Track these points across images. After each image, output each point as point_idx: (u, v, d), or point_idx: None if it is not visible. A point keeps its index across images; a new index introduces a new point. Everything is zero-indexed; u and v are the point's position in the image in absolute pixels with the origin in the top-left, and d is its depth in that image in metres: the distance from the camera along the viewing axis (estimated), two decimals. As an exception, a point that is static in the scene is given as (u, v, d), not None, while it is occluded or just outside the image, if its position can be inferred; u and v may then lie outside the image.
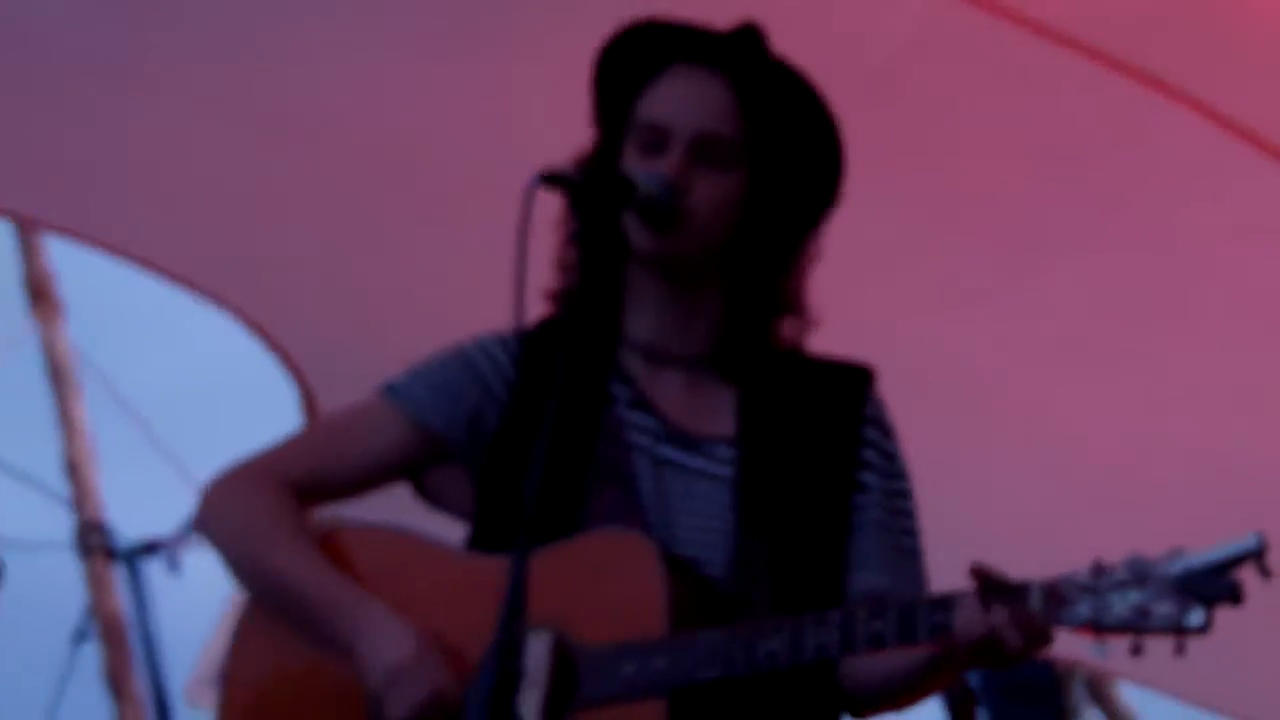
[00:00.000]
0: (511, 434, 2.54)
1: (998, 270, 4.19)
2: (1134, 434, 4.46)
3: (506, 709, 2.12)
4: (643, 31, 2.58)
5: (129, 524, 6.02)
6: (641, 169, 2.47)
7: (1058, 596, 2.18)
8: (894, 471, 2.55)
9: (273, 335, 4.63)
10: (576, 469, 2.52)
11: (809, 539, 2.49)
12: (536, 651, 2.36)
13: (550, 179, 2.33)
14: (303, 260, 4.44)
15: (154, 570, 5.95)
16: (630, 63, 2.59)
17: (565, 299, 2.59)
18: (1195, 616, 2.12)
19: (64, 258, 6.13)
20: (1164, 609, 2.15)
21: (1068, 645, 5.42)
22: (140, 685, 5.83)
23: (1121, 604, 2.16)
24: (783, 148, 2.55)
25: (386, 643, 2.42)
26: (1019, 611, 2.18)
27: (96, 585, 5.95)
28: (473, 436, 2.57)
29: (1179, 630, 2.12)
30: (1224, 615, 5.54)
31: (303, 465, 2.64)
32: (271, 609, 2.55)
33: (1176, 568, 2.14)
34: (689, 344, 2.57)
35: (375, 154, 3.98)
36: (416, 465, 2.61)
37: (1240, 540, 2.11)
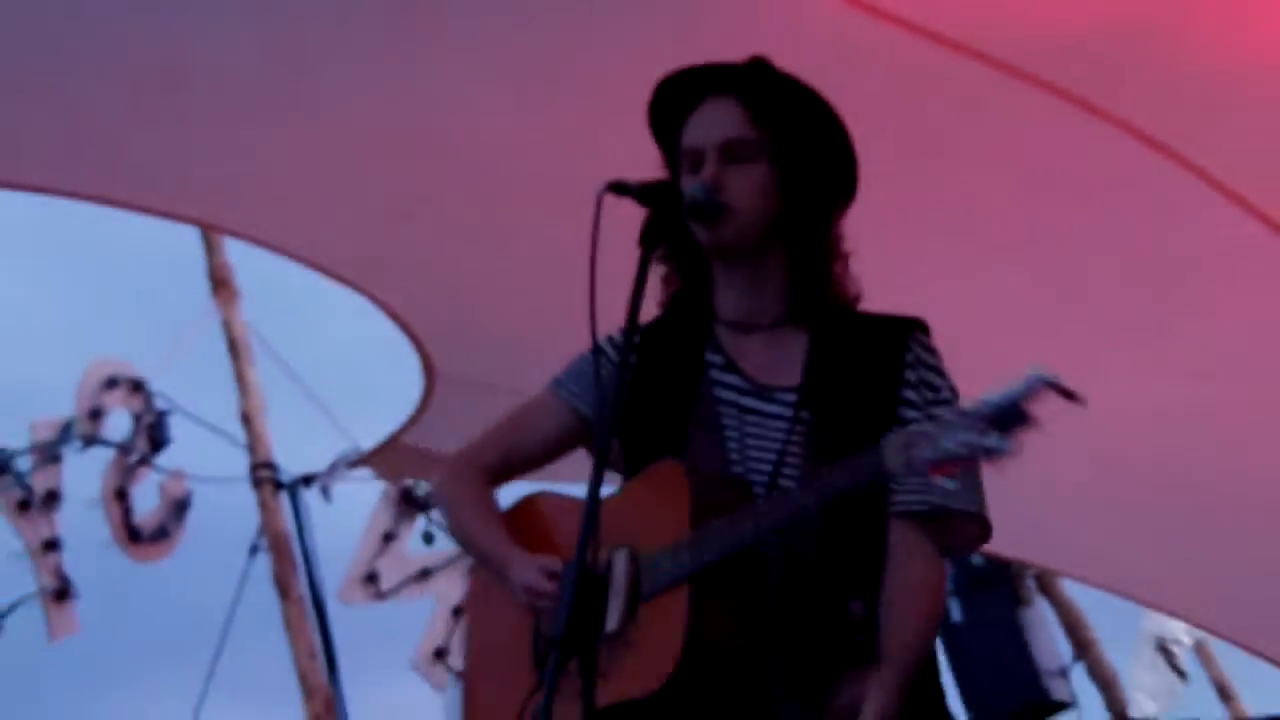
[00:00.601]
0: (637, 406, 2.54)
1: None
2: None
3: (583, 607, 2.21)
4: (673, 80, 2.60)
5: (291, 462, 6.21)
6: (686, 182, 2.49)
7: (907, 439, 2.21)
8: (936, 401, 2.47)
9: (401, 315, 4.72)
10: (678, 422, 2.53)
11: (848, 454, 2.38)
12: (618, 565, 2.44)
13: (616, 187, 2.36)
14: (426, 256, 4.44)
15: (311, 497, 6.14)
16: (669, 106, 2.61)
17: (670, 298, 2.62)
18: (998, 442, 2.12)
19: (239, 253, 6.33)
20: (978, 439, 2.13)
21: (1021, 546, 5.43)
22: (301, 587, 5.96)
23: (950, 440, 2.16)
24: (794, 137, 2.55)
25: (519, 571, 2.52)
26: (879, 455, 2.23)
27: (266, 510, 6.09)
28: (606, 417, 2.53)
29: (989, 453, 2.12)
30: (1139, 515, 5.34)
31: (492, 453, 2.72)
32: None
33: (984, 406, 2.14)
34: (764, 312, 2.56)
35: (481, 168, 3.99)
36: (580, 442, 2.66)
37: (1026, 377, 2.12)
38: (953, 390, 2.50)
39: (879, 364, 2.50)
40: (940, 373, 2.51)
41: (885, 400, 2.46)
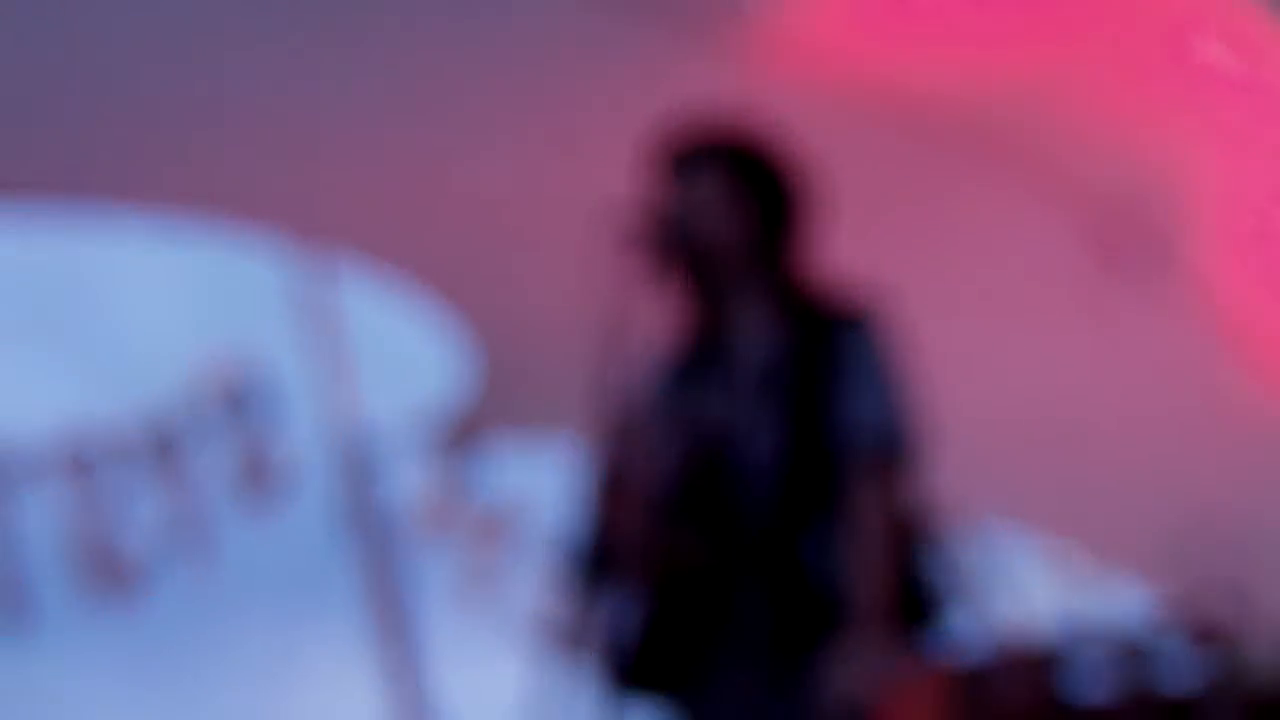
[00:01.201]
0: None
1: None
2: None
3: None
4: (673, 147, 2.84)
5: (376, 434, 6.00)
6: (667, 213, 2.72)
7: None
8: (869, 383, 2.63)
9: (464, 310, 4.86)
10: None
11: (807, 404, 2.59)
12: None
13: (608, 210, 2.62)
14: (474, 255, 4.50)
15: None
16: (670, 161, 2.83)
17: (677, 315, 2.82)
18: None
19: None
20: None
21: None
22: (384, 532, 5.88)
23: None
24: (768, 189, 2.80)
25: None
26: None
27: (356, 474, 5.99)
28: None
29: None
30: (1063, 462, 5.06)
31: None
32: None
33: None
34: (760, 307, 2.76)
35: (513, 178, 4.06)
36: None
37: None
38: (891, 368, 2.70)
39: (829, 352, 2.70)
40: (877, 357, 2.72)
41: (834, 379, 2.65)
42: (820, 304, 2.77)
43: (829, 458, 2.60)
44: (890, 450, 2.61)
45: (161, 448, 6.07)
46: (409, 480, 6.44)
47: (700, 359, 2.77)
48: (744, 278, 2.77)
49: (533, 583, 6.36)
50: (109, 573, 5.75)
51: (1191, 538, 3.91)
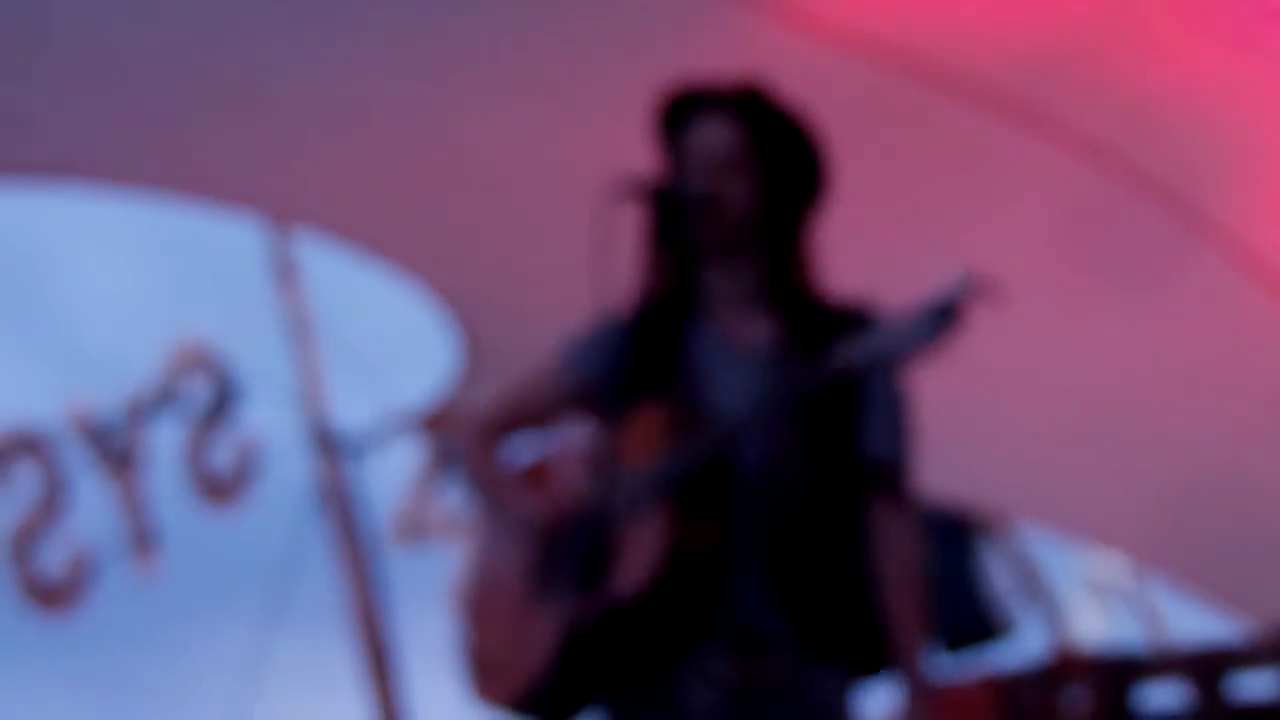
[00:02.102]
0: (635, 375, 2.54)
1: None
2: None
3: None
4: (677, 95, 2.62)
5: (347, 424, 6.16)
6: (681, 181, 2.52)
7: (850, 344, 2.22)
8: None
9: (443, 293, 4.68)
10: (668, 384, 2.52)
11: (822, 410, 2.43)
12: (629, 486, 2.43)
13: (624, 185, 2.38)
14: (467, 243, 4.41)
15: (364, 454, 6.12)
16: (674, 115, 2.62)
17: (657, 284, 2.60)
18: (928, 336, 2.11)
19: (305, 241, 6.00)
20: (912, 336, 2.13)
21: (970, 491, 5.43)
22: (356, 533, 5.95)
23: (889, 337, 2.17)
24: (777, 149, 2.57)
25: (518, 501, 2.58)
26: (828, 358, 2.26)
27: (326, 465, 6.08)
28: (604, 384, 2.57)
29: (922, 346, 2.11)
30: (1085, 457, 5.31)
31: (501, 415, 2.71)
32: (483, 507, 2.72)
33: (916, 309, 2.13)
34: (742, 294, 2.57)
35: (513, 168, 3.97)
36: (579, 407, 2.63)
37: (953, 279, 2.10)
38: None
39: (836, 336, 2.49)
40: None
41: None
42: (821, 296, 2.59)
43: (846, 470, 2.47)
44: (905, 466, 2.49)
45: (116, 439, 5.89)
46: (387, 474, 6.38)
47: (676, 328, 2.59)
48: (739, 245, 2.56)
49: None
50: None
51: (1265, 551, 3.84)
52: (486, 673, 2.53)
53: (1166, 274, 3.99)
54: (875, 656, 2.42)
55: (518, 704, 2.29)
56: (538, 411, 2.69)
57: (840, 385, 2.36)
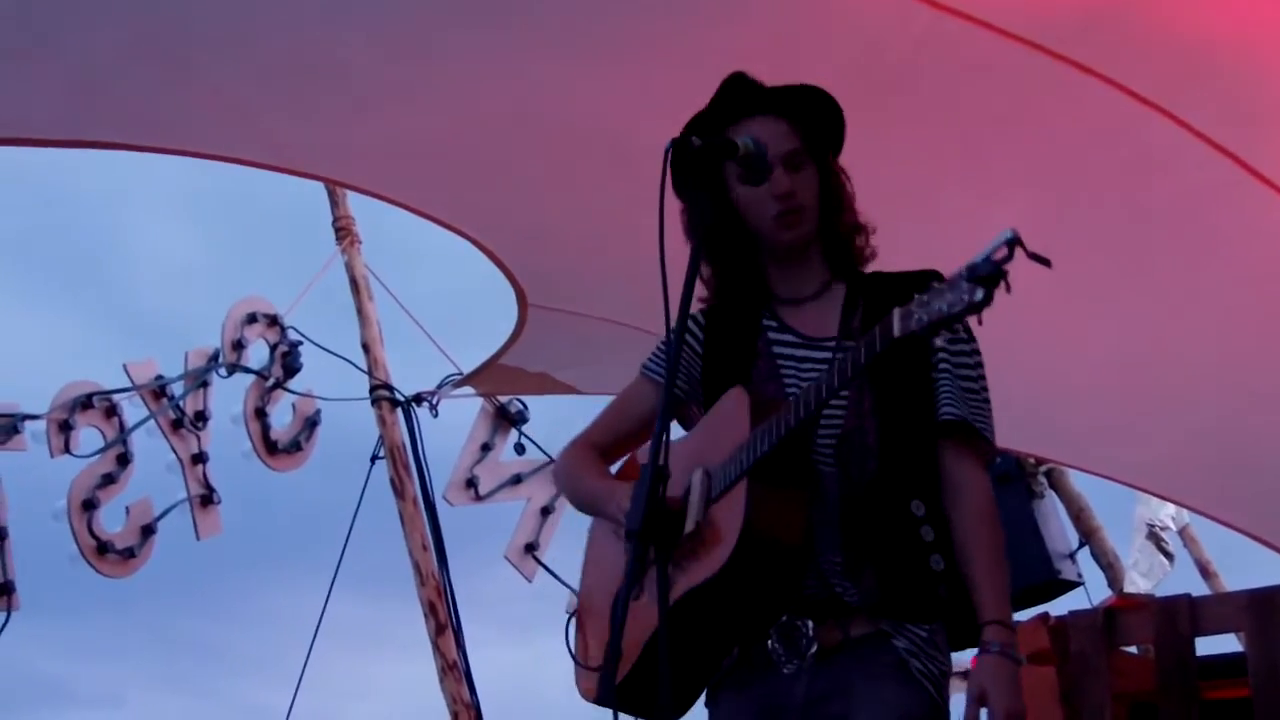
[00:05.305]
0: (710, 370, 2.64)
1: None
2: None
3: (654, 521, 2.21)
4: (736, 88, 2.67)
5: (404, 383, 6.23)
6: (739, 136, 2.49)
7: (907, 311, 2.20)
8: (955, 335, 2.50)
9: (496, 254, 4.74)
10: (743, 377, 2.59)
11: (894, 380, 2.49)
12: (695, 480, 2.50)
13: (679, 143, 2.36)
14: (519, 204, 4.45)
15: (421, 414, 6.19)
16: (727, 104, 2.66)
17: (719, 285, 2.68)
18: (977, 294, 2.09)
19: (359, 205, 6.32)
20: (961, 296, 2.11)
21: (1035, 442, 5.48)
22: (414, 490, 5.99)
23: (940, 302, 2.15)
24: (825, 144, 2.66)
25: (613, 497, 2.61)
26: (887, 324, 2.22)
27: (384, 425, 6.11)
28: (691, 383, 2.68)
29: (972, 306, 2.09)
30: (1140, 415, 5.34)
31: (599, 432, 2.79)
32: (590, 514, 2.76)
33: (964, 269, 2.13)
34: (809, 284, 2.65)
35: (564, 129, 4.00)
36: (674, 414, 2.66)
37: (998, 236, 2.08)
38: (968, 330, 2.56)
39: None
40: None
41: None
42: (879, 270, 2.67)
43: (918, 435, 2.52)
44: (977, 425, 2.53)
45: (180, 400, 5.94)
46: (446, 433, 6.36)
47: (749, 321, 2.66)
48: (808, 243, 2.65)
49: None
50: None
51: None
52: (590, 671, 2.59)
53: (1217, 223, 4.02)
54: (951, 614, 2.47)
55: (613, 699, 2.31)
56: (634, 421, 2.75)
57: (908, 353, 2.38)
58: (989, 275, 2.09)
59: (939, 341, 2.45)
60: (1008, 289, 2.07)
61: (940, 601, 2.46)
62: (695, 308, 2.56)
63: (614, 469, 2.79)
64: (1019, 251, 2.05)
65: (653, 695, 2.43)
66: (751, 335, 2.64)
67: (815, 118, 2.67)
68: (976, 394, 2.55)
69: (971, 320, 2.13)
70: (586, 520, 2.79)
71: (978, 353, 2.59)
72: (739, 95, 2.67)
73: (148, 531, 5.76)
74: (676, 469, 2.35)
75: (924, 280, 2.41)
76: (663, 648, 2.20)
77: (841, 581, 2.44)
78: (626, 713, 2.49)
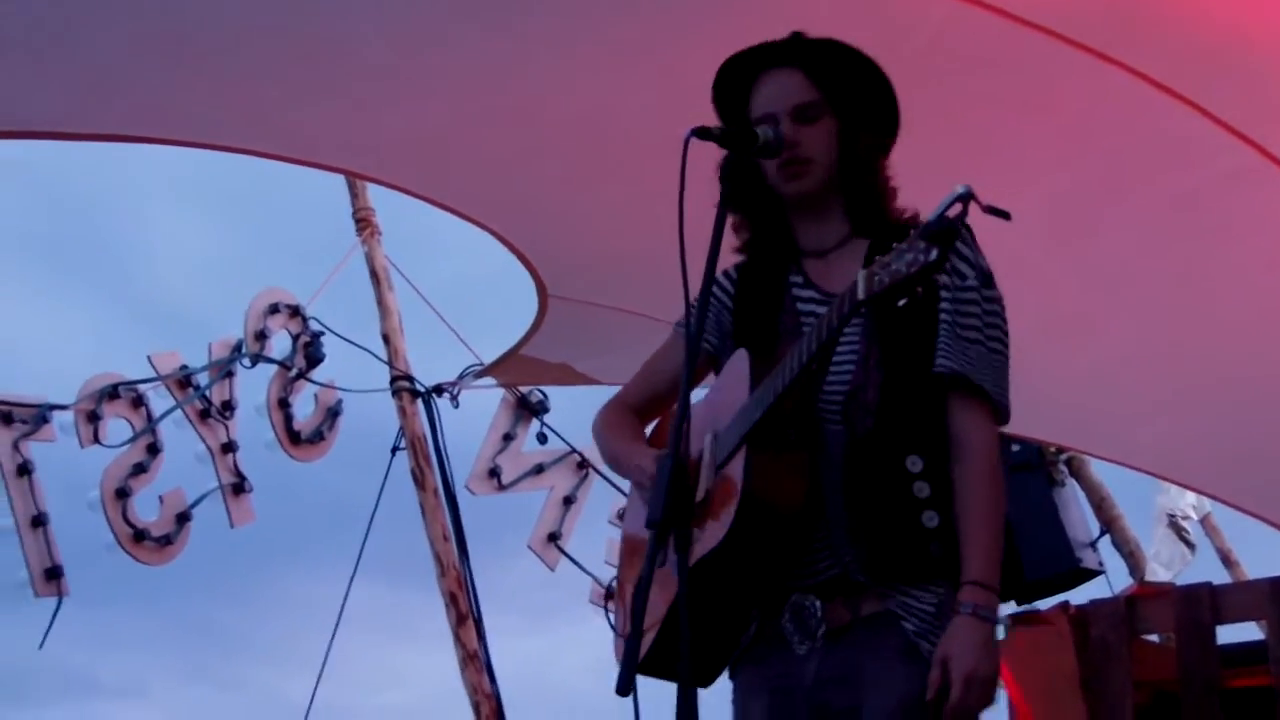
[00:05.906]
0: (740, 327, 2.63)
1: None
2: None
3: (679, 483, 2.22)
4: (734, 60, 2.65)
5: (425, 374, 6.28)
6: (758, 109, 2.55)
7: (870, 273, 2.18)
8: (962, 286, 2.47)
9: (516, 245, 4.74)
10: (770, 331, 2.58)
11: (899, 336, 2.46)
12: (706, 445, 2.49)
13: (699, 132, 2.38)
14: (538, 196, 4.44)
15: (442, 404, 6.22)
16: (730, 83, 2.65)
17: (747, 242, 2.67)
18: (932, 254, 2.08)
19: (379, 197, 6.37)
20: (918, 256, 2.10)
21: (1054, 431, 5.48)
22: (435, 481, 6.02)
23: (899, 263, 2.14)
24: (846, 92, 2.59)
25: (638, 460, 2.59)
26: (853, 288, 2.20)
27: (405, 415, 6.14)
28: (723, 338, 2.67)
29: (929, 266, 2.08)
30: (1161, 403, 5.38)
31: (633, 392, 2.78)
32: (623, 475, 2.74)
33: (920, 229, 2.11)
34: (831, 238, 2.61)
35: (583, 120, 4.00)
36: (706, 371, 2.69)
37: (950, 193, 2.06)
38: (983, 272, 2.51)
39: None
40: (968, 261, 2.51)
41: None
42: (905, 224, 2.58)
43: (921, 387, 2.47)
44: (975, 378, 2.47)
45: (204, 391, 5.96)
46: (466, 422, 6.39)
47: (775, 279, 2.63)
48: (825, 195, 2.60)
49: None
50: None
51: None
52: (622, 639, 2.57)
53: (1239, 211, 4.00)
54: (950, 573, 2.40)
55: (639, 667, 2.30)
56: (666, 380, 2.73)
57: (913, 306, 2.30)
58: (941, 232, 2.06)
59: (943, 292, 2.43)
60: (963, 241, 2.01)
61: (932, 560, 2.40)
62: (730, 263, 2.56)
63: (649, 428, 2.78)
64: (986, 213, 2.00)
65: (676, 662, 2.36)
66: (779, 291, 2.62)
67: (840, 72, 2.61)
68: (979, 344, 2.48)
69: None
70: (607, 510, 2.82)
71: (992, 301, 2.52)
72: (765, 46, 2.63)
73: (183, 519, 5.78)
74: (695, 430, 2.34)
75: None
76: (683, 613, 2.18)
77: (849, 549, 2.41)
78: (656, 677, 2.45)
